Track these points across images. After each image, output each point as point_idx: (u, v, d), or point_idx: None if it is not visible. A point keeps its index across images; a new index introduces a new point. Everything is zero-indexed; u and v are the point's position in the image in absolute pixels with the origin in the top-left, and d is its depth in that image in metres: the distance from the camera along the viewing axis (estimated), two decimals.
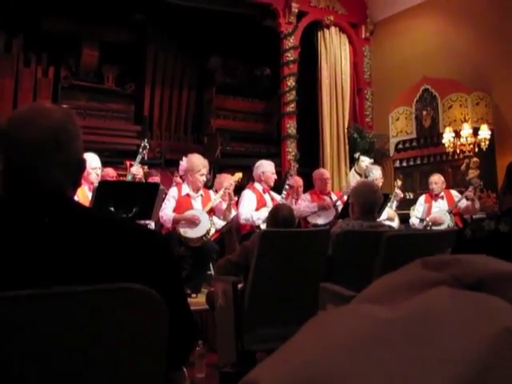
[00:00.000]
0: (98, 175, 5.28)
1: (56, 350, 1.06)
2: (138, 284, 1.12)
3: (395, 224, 6.74)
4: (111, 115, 9.83)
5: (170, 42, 10.05)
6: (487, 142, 7.33)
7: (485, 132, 7.33)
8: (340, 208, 6.22)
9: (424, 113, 8.34)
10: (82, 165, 1.37)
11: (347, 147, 9.17)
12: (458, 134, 7.50)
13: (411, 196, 7.66)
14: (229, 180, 5.92)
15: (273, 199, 6.06)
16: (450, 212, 6.72)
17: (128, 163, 7.31)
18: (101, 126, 9.49)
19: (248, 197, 5.95)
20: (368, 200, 3.67)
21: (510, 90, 7.51)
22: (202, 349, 3.73)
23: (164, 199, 5.40)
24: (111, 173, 6.16)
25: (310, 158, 8.98)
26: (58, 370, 1.06)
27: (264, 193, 6.07)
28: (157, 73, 10.11)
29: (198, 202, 5.66)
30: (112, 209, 4.45)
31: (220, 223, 6.14)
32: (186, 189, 5.67)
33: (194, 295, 5.29)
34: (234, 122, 10.64)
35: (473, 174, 7.34)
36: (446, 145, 7.56)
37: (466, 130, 7.38)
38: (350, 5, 9.55)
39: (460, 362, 0.42)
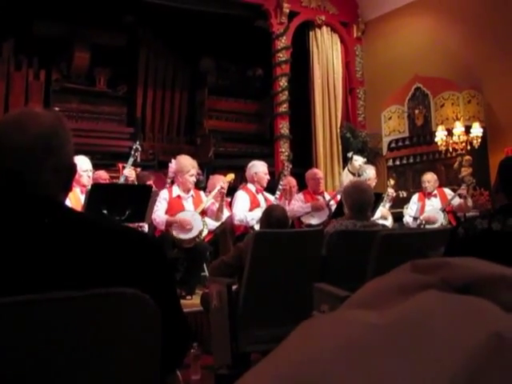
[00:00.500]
0: (89, 177, 5.26)
1: (49, 355, 1.06)
2: (131, 288, 1.12)
3: (389, 223, 6.75)
4: (103, 117, 9.81)
5: (161, 44, 10.04)
6: (479, 140, 7.35)
7: (477, 130, 7.35)
8: (333, 208, 6.22)
9: (416, 111, 8.36)
10: (73, 169, 1.37)
11: (340, 147, 9.18)
12: (450, 133, 7.52)
13: (404, 195, 7.68)
14: (222, 181, 5.91)
15: (266, 200, 6.06)
16: (443, 210, 6.73)
17: (121, 165, 7.30)
18: (93, 128, 9.47)
19: (241, 197, 5.95)
20: (358, 200, 3.68)
21: (501, 87, 7.54)
22: (197, 351, 3.73)
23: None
24: (104, 175, 6.14)
25: (303, 158, 8.98)
26: (51, 374, 1.06)
27: (257, 193, 6.07)
28: (149, 74, 10.10)
29: (190, 203, 5.66)
30: (105, 211, 4.44)
31: (214, 224, 6.14)
32: (176, 190, 5.67)
33: (188, 297, 5.28)
34: (227, 123, 10.64)
35: (465, 171, 7.36)
36: (439, 143, 7.58)
37: (458, 128, 7.40)
38: (341, 4, 9.56)
39: (450, 368, 0.42)
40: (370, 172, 7.20)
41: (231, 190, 6.86)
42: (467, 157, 7.46)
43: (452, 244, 2.18)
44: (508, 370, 0.41)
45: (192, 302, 5.03)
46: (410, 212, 7.06)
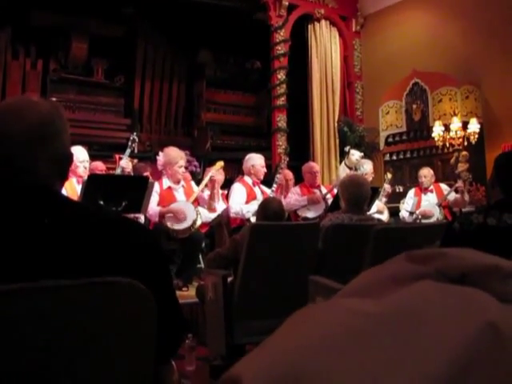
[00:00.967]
0: (85, 168, 5.26)
1: (43, 344, 1.05)
2: (126, 278, 1.12)
3: (385, 217, 6.76)
4: (101, 108, 9.78)
5: (159, 35, 10.00)
6: (476, 136, 7.36)
7: (474, 126, 7.36)
8: (330, 201, 6.23)
9: (414, 106, 8.37)
10: (69, 158, 1.37)
11: (337, 141, 9.18)
12: (447, 128, 7.53)
13: (401, 189, 7.69)
14: (214, 168, 5.92)
15: (263, 192, 6.06)
16: (439, 205, 6.75)
17: (117, 157, 7.28)
18: (90, 119, 9.43)
19: (238, 190, 5.95)
20: (354, 194, 3.68)
21: (499, 83, 7.54)
22: (192, 342, 3.73)
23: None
24: (100, 166, 6.13)
25: (301, 152, 8.98)
26: (44, 363, 1.06)
27: (254, 186, 6.07)
28: (147, 66, 10.07)
29: (181, 194, 5.66)
30: (101, 202, 4.44)
31: (209, 216, 6.14)
32: (166, 182, 5.66)
33: (184, 288, 5.29)
34: (225, 116, 10.62)
35: (462, 167, 7.36)
36: (436, 138, 7.59)
37: (456, 124, 7.41)
38: None
39: (444, 357, 0.42)
40: (367, 167, 7.20)
41: (228, 183, 6.86)
42: (464, 152, 7.46)
43: (447, 238, 2.18)
44: (503, 359, 0.42)
45: (188, 294, 5.04)
46: (406, 207, 7.07)
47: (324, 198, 6.42)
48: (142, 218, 5.31)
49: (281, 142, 8.78)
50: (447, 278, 0.51)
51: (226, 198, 6.38)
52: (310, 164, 7.03)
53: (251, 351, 0.47)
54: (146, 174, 6.59)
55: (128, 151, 5.65)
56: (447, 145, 7.54)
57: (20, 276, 1.08)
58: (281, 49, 8.86)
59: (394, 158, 8.81)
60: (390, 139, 8.79)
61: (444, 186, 7.04)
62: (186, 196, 5.66)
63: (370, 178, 6.94)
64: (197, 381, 3.54)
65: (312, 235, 3.60)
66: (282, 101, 8.85)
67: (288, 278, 3.45)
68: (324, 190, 6.64)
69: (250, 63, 10.94)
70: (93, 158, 6.07)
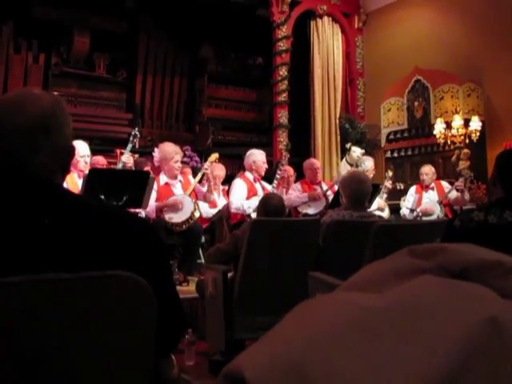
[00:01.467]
0: (86, 163, 5.25)
1: (43, 337, 1.06)
2: (127, 271, 1.12)
3: (385, 214, 6.76)
4: (102, 103, 9.77)
5: (161, 31, 9.98)
6: (478, 134, 7.34)
7: (476, 123, 7.35)
8: (330, 198, 6.23)
9: (416, 104, 8.35)
10: (70, 152, 1.37)
11: (338, 137, 9.17)
12: (449, 125, 7.52)
13: (402, 187, 7.68)
14: (209, 160, 5.92)
15: (264, 188, 6.06)
16: (440, 203, 6.74)
17: (119, 151, 7.29)
18: (92, 113, 9.42)
19: (239, 186, 5.94)
20: (355, 191, 3.68)
21: (501, 81, 7.52)
22: (192, 337, 3.74)
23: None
24: (101, 161, 6.13)
25: (302, 148, 8.97)
26: (44, 356, 1.06)
27: (255, 182, 6.07)
28: (148, 61, 10.05)
29: (178, 189, 5.65)
30: (102, 197, 4.44)
31: (211, 212, 6.14)
32: (163, 178, 5.65)
33: (184, 284, 5.30)
34: (226, 111, 10.61)
35: (463, 165, 7.36)
36: (437, 136, 7.58)
37: (457, 122, 7.39)
38: None
39: (446, 350, 0.42)
40: (368, 163, 7.20)
41: (229, 178, 6.86)
42: (465, 150, 7.46)
43: (448, 236, 2.18)
44: (503, 353, 0.42)
45: (188, 289, 5.05)
46: (407, 204, 7.07)
47: (325, 195, 6.42)
48: (142, 213, 5.31)
49: (282, 138, 8.77)
50: (448, 273, 0.51)
51: (227, 193, 6.38)
52: (311, 160, 7.03)
53: (252, 344, 0.47)
54: (146, 168, 6.59)
55: (129, 146, 5.65)
56: (449, 142, 7.53)
57: (20, 269, 1.08)
58: (283, 45, 8.85)
59: (396, 155, 8.80)
60: (392, 136, 8.78)
61: (445, 184, 7.03)
62: (183, 191, 5.65)
63: (371, 175, 6.94)
64: (196, 375, 3.54)
65: (312, 231, 3.60)
66: (283, 97, 8.84)
67: (288, 274, 3.45)
68: (325, 187, 6.63)
69: (251, 59, 10.93)
70: (94, 152, 6.07)
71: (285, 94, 8.84)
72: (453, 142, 7.50)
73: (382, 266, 0.54)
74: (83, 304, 1.10)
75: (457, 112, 7.58)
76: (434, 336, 0.43)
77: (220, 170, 6.71)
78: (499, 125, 7.58)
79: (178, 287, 4.80)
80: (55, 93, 8.49)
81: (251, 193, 5.91)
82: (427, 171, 6.98)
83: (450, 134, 7.47)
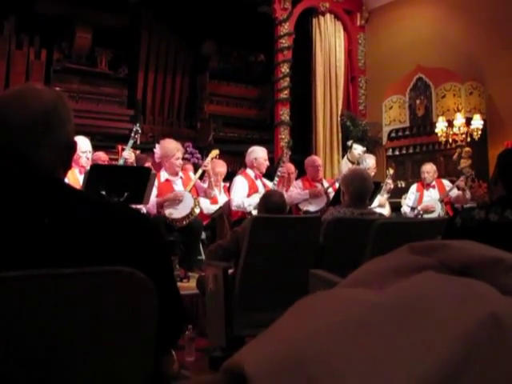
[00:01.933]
0: (88, 159, 5.26)
1: (43, 333, 1.06)
2: (127, 267, 1.12)
3: (386, 211, 6.75)
4: (104, 99, 9.76)
5: (163, 27, 9.98)
6: (479, 132, 7.35)
7: (477, 122, 7.35)
8: (331, 195, 6.23)
9: (417, 102, 8.35)
10: (72, 147, 1.37)
11: (340, 135, 9.17)
12: (450, 124, 7.52)
13: (403, 185, 7.68)
14: (210, 156, 5.93)
15: (265, 186, 6.05)
16: (441, 201, 6.74)
17: (120, 147, 7.29)
18: (93, 109, 9.42)
19: (240, 183, 5.94)
20: (358, 188, 3.68)
21: (503, 80, 7.52)
22: (192, 333, 3.75)
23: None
24: (103, 157, 6.13)
25: (303, 145, 8.98)
26: (44, 351, 1.06)
27: (256, 179, 6.06)
28: (150, 57, 10.04)
29: (179, 185, 5.65)
30: (103, 193, 4.45)
31: (212, 208, 6.14)
32: (164, 175, 5.65)
33: (185, 280, 5.30)
34: (228, 108, 10.60)
35: (465, 163, 7.36)
36: (439, 134, 7.58)
37: (459, 120, 7.40)
38: None
39: (446, 346, 0.42)
40: (369, 161, 7.19)
41: (230, 175, 6.86)
42: (467, 148, 7.46)
43: (449, 234, 2.18)
44: (504, 350, 0.42)
45: (188, 285, 5.05)
46: (408, 202, 7.07)
47: (326, 192, 6.42)
48: (143, 210, 5.31)
49: (283, 136, 8.77)
50: (449, 270, 0.51)
51: (228, 190, 6.38)
52: (313, 158, 7.02)
53: (253, 340, 0.48)
54: (147, 164, 6.59)
55: (131, 142, 5.64)
56: (450, 141, 7.54)
57: (22, 265, 1.08)
58: (285, 42, 8.84)
59: (397, 153, 8.81)
60: (393, 134, 8.78)
61: (446, 182, 7.03)
62: (184, 187, 5.65)
63: (373, 173, 6.93)
64: (196, 371, 3.55)
65: (313, 229, 3.60)
66: (285, 94, 8.84)
67: (288, 271, 3.45)
68: (326, 184, 6.63)
69: (253, 56, 10.92)
70: (95, 148, 6.07)
71: (286, 91, 8.84)
72: (454, 141, 7.50)
73: (382, 263, 0.54)
74: (84, 299, 1.10)
75: (459, 110, 7.58)
76: (435, 333, 0.43)
77: (221, 167, 6.71)
78: (501, 123, 7.58)
79: (179, 283, 4.81)
80: (57, 88, 8.49)
81: (252, 190, 5.91)
82: (428, 169, 6.98)
83: (451, 133, 7.47)
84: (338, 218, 3.61)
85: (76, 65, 9.49)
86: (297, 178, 6.90)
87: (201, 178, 5.91)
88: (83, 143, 5.19)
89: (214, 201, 6.14)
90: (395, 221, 4.39)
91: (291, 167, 6.97)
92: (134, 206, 4.73)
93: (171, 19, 9.72)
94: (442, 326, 0.43)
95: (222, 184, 6.64)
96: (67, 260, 1.14)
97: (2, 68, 8.76)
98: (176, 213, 5.34)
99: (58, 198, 1.24)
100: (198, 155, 8.77)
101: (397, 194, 7.50)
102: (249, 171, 6.12)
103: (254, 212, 5.44)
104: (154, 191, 5.40)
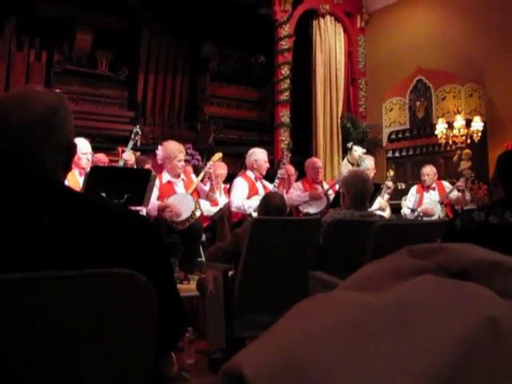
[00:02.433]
0: (88, 160, 5.26)
1: (43, 335, 1.06)
2: (128, 269, 1.12)
3: (386, 214, 6.76)
4: (104, 100, 9.76)
5: (164, 28, 9.98)
6: (479, 134, 7.35)
7: (477, 124, 7.35)
8: (332, 197, 6.23)
9: (417, 103, 8.35)
10: (72, 149, 1.37)
11: (340, 137, 9.17)
12: (450, 126, 7.52)
13: (403, 186, 7.68)
14: (212, 160, 5.93)
15: (265, 187, 6.06)
16: (441, 203, 6.74)
17: (120, 149, 7.28)
18: (94, 111, 9.42)
19: (240, 185, 5.94)
20: (358, 190, 3.67)
21: (503, 82, 7.52)
22: (192, 335, 3.74)
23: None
24: (103, 158, 6.13)
25: (303, 147, 8.98)
26: (44, 354, 1.06)
27: (256, 181, 6.07)
28: (151, 59, 10.05)
29: (181, 187, 5.65)
30: (104, 194, 4.45)
31: (212, 210, 6.14)
32: (166, 176, 5.65)
33: (185, 282, 5.30)
34: (228, 110, 10.60)
35: (465, 165, 7.37)
36: (439, 136, 7.58)
37: (459, 122, 7.40)
38: None
39: (444, 349, 0.42)
40: (368, 162, 7.19)
41: (230, 177, 6.86)
42: (467, 150, 7.46)
43: (449, 236, 2.18)
44: (503, 353, 0.42)
45: (188, 287, 5.05)
46: (408, 204, 7.07)
47: (326, 194, 6.42)
48: (143, 211, 5.31)
49: (284, 137, 8.77)
50: (448, 273, 0.51)
51: (228, 192, 6.38)
52: (313, 160, 7.03)
53: (252, 342, 0.48)
54: (147, 166, 6.59)
55: (131, 144, 5.64)
56: (450, 142, 7.54)
57: (21, 267, 1.08)
58: (285, 44, 8.85)
59: (397, 154, 8.81)
60: (393, 136, 8.78)
61: (446, 184, 7.03)
62: (185, 189, 5.65)
63: (372, 174, 6.93)
64: (196, 374, 3.55)
65: (313, 231, 3.60)
66: (285, 96, 8.85)
67: (289, 273, 3.45)
68: (326, 186, 6.64)
69: (254, 58, 10.93)
70: (95, 150, 6.07)
71: (287, 93, 8.85)
72: (454, 143, 7.50)
73: (381, 266, 0.55)
74: (84, 301, 1.10)
75: (458, 112, 7.58)
76: (433, 336, 0.43)
77: (222, 169, 6.71)
78: (501, 125, 7.58)
79: (179, 285, 4.80)
80: (57, 90, 8.49)
81: (252, 192, 5.91)
82: (428, 172, 6.98)
83: (451, 135, 7.47)
84: (338, 220, 3.61)
85: (76, 66, 9.49)
86: (297, 180, 6.90)
87: (202, 180, 5.91)
88: (83, 145, 5.20)
89: (214, 203, 6.14)
90: (395, 223, 4.39)
91: (291, 169, 6.97)
92: (134, 208, 4.76)
93: (171, 21, 9.73)
94: (441, 329, 0.43)
95: (223, 186, 6.64)
96: (67, 262, 1.14)
97: (3, 70, 8.76)
98: (176, 217, 5.35)
99: (57, 200, 1.24)
100: (199, 157, 8.78)
101: (397, 195, 7.50)
102: (249, 173, 6.12)
103: (254, 214, 5.44)
104: (156, 193, 5.41)
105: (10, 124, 1.26)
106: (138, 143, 7.03)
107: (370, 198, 4.21)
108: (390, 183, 7.13)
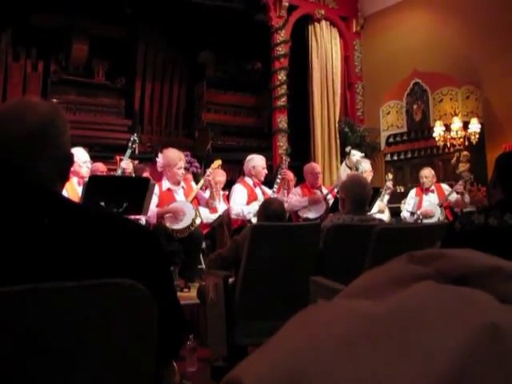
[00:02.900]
0: (88, 169, 5.27)
1: (43, 346, 1.05)
2: (128, 278, 1.12)
3: (386, 217, 6.75)
4: (101, 110, 9.78)
5: (160, 37, 10.01)
6: (477, 136, 7.36)
7: (475, 126, 7.37)
8: (331, 202, 6.22)
9: (415, 106, 8.37)
10: (69, 159, 1.37)
11: (338, 141, 9.19)
12: (448, 128, 7.53)
13: (402, 189, 7.68)
14: (211, 167, 5.92)
15: (264, 193, 6.05)
16: (440, 206, 6.75)
17: (118, 158, 7.28)
18: (91, 120, 9.44)
19: (239, 191, 5.94)
20: (357, 194, 3.67)
21: (499, 83, 7.54)
22: (193, 343, 3.73)
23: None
24: (101, 167, 6.13)
25: (301, 152, 8.98)
26: (45, 365, 1.06)
27: (255, 187, 6.06)
28: (147, 67, 10.07)
29: (181, 195, 5.65)
30: (102, 203, 4.44)
31: (211, 217, 6.14)
32: (166, 184, 5.64)
33: (186, 289, 5.29)
34: (225, 116, 10.61)
35: (463, 167, 7.37)
36: (437, 138, 7.59)
37: (457, 124, 7.41)
38: None
39: (445, 357, 0.42)
40: (365, 165, 7.20)
41: (229, 183, 6.86)
42: (465, 152, 7.47)
43: (448, 239, 2.18)
44: (503, 359, 0.42)
45: (189, 295, 5.04)
46: (407, 207, 7.07)
47: (325, 199, 6.42)
48: (142, 220, 5.30)
49: (282, 143, 8.78)
50: (448, 279, 0.51)
51: (227, 198, 6.38)
52: (312, 165, 7.03)
53: (252, 353, 0.47)
54: (145, 174, 6.59)
55: (129, 152, 5.64)
56: (448, 145, 7.55)
57: (20, 277, 1.08)
58: (281, 49, 8.88)
59: (395, 158, 8.82)
60: (391, 139, 8.80)
61: (445, 187, 7.03)
62: (185, 197, 5.65)
63: (370, 177, 6.94)
64: (198, 382, 3.54)
65: (313, 236, 3.60)
66: (282, 101, 8.86)
67: (289, 279, 3.44)
68: (325, 191, 6.63)
69: (250, 64, 10.94)
70: (94, 159, 6.06)
71: (284, 99, 8.86)
72: (452, 145, 7.51)
73: (381, 273, 0.54)
74: (83, 312, 1.10)
75: (456, 114, 7.60)
76: (434, 343, 0.43)
77: (221, 176, 6.71)
78: (498, 127, 7.59)
79: (179, 293, 4.80)
80: (54, 100, 8.51)
81: (251, 198, 5.91)
82: (427, 174, 6.99)
83: (449, 137, 7.48)
84: (337, 225, 3.61)
85: (73, 76, 9.51)
86: (296, 185, 6.90)
87: (201, 187, 5.91)
88: (83, 154, 5.20)
89: (213, 210, 6.13)
90: (395, 227, 4.38)
91: (290, 174, 6.96)
92: (133, 217, 4.75)
93: (167, 29, 9.76)
94: (442, 336, 0.43)
95: (222, 192, 6.64)
96: (66, 273, 1.13)
97: None
98: (176, 224, 5.34)
99: (56, 212, 1.23)
100: (197, 164, 8.77)
101: (396, 199, 7.50)
102: (247, 179, 6.12)
103: (254, 220, 5.43)
104: (155, 200, 5.40)
105: (5, 136, 1.25)
106: (136, 151, 7.05)
107: (370, 202, 4.20)
108: (389, 184, 7.13)
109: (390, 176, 7.41)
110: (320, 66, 9.29)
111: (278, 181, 6.26)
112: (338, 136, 9.20)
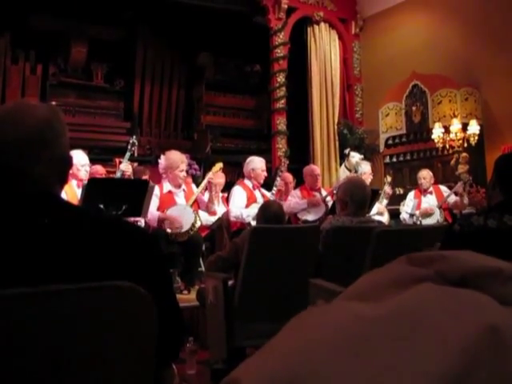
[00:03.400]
0: (87, 172, 5.26)
1: (43, 349, 1.05)
2: (127, 281, 1.12)
3: (385, 219, 6.75)
4: (100, 112, 9.78)
5: (159, 39, 10.01)
6: (476, 138, 7.36)
7: (474, 127, 7.37)
8: (330, 204, 6.22)
9: (414, 108, 8.38)
10: (68, 161, 1.37)
11: (337, 143, 9.18)
12: (447, 130, 7.54)
13: (401, 191, 7.68)
14: (212, 171, 5.91)
15: (263, 196, 6.05)
16: (439, 207, 6.75)
17: (117, 160, 7.28)
18: (90, 123, 9.44)
19: (238, 193, 5.93)
20: (360, 195, 3.67)
21: (498, 85, 7.54)
22: (193, 346, 3.73)
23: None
24: (100, 170, 6.13)
25: (301, 154, 8.98)
26: (44, 368, 1.05)
27: (254, 189, 6.06)
28: (146, 69, 10.07)
29: (181, 198, 5.64)
30: (101, 206, 4.43)
31: (210, 220, 6.13)
32: (167, 186, 5.63)
33: (185, 292, 5.28)
34: (224, 119, 10.62)
35: (462, 169, 7.37)
36: (436, 140, 7.60)
37: (456, 126, 7.42)
38: (339, 0, 9.55)
39: (445, 359, 0.42)
40: (365, 167, 7.20)
41: (228, 186, 6.86)
42: (464, 154, 7.47)
43: (447, 240, 2.18)
44: (503, 361, 0.41)
45: (188, 297, 5.03)
46: (406, 209, 7.07)
47: (324, 201, 6.42)
48: (142, 222, 5.30)
49: (281, 145, 8.78)
50: (447, 281, 0.51)
51: (227, 201, 6.37)
52: (312, 167, 7.02)
53: (252, 355, 0.47)
54: (144, 177, 6.58)
55: (128, 155, 5.63)
56: (447, 146, 7.55)
57: (19, 280, 1.08)
58: (280, 52, 8.88)
59: (394, 160, 8.82)
60: (390, 141, 8.80)
61: (444, 188, 7.04)
62: (186, 200, 5.64)
63: (369, 179, 6.94)
64: None
65: (312, 238, 3.59)
66: (281, 103, 8.86)
67: (288, 281, 3.44)
68: (324, 193, 6.63)
69: (249, 66, 10.95)
70: (93, 161, 6.06)
71: (283, 101, 8.86)
72: (451, 146, 7.52)
73: (380, 275, 0.54)
74: (83, 315, 1.09)
75: (455, 116, 7.61)
76: (433, 344, 0.43)
77: (220, 178, 6.71)
78: (497, 128, 7.59)
79: (179, 295, 4.79)
80: (53, 103, 8.51)
81: (250, 200, 5.90)
82: (425, 175, 7.00)
83: (448, 139, 7.49)
84: (336, 227, 3.60)
85: (72, 79, 9.52)
86: (295, 187, 6.89)
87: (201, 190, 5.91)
88: (82, 157, 5.20)
89: (212, 212, 6.13)
90: (394, 229, 4.38)
91: (289, 177, 6.96)
92: (132, 219, 4.75)
93: (166, 32, 9.76)
94: (442, 338, 0.43)
95: (221, 195, 6.64)
96: (65, 275, 1.13)
97: None
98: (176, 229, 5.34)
99: (55, 214, 1.23)
100: (196, 166, 8.77)
101: (395, 200, 7.50)
102: (247, 181, 6.11)
103: (253, 222, 5.43)
104: (156, 202, 5.40)
105: (4, 139, 1.25)
106: (135, 154, 7.03)
107: (369, 204, 4.20)
108: (387, 188, 7.12)
109: (389, 179, 7.40)
110: (319, 68, 9.29)
111: (277, 183, 6.26)
112: (337, 138, 9.20)
